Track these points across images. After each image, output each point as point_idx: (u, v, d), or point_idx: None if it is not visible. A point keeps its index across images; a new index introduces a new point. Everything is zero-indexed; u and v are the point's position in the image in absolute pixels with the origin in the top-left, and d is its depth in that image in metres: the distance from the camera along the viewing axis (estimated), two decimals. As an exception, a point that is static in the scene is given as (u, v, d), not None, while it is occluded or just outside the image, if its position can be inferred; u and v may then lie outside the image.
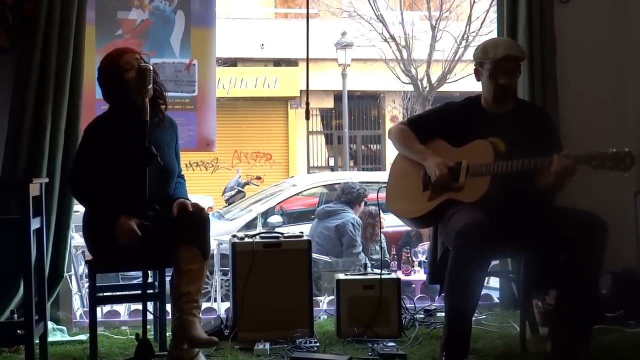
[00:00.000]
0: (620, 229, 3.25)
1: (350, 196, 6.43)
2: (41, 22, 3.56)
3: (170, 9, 4.14)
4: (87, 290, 3.76)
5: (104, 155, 3.08)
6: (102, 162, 3.08)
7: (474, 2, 13.67)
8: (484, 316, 3.87)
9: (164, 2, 4.13)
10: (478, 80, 3.28)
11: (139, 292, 3.02)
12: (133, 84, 3.02)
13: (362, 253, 6.16)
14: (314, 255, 4.08)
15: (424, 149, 3.26)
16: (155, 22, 4.14)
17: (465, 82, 12.28)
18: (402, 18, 14.43)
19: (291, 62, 15.65)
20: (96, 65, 3.21)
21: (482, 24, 13.57)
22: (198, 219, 3.06)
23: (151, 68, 2.99)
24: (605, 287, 3.68)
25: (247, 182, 13.09)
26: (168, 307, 3.32)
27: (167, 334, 3.30)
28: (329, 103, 16.30)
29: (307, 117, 4.59)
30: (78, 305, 4.28)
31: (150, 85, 2.95)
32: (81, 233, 3.28)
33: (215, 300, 5.33)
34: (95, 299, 3.16)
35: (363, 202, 6.51)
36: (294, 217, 8.63)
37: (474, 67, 3.28)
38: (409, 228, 6.20)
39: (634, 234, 4.05)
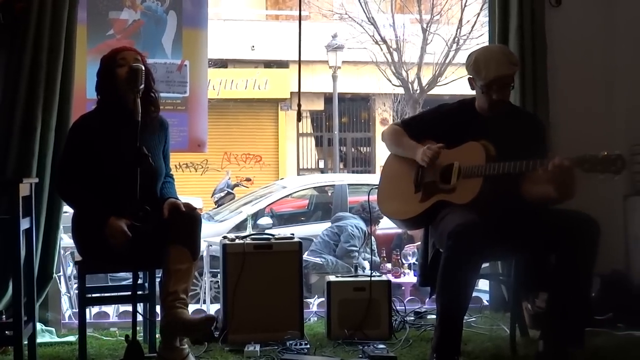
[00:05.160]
0: (609, 232, 3.25)
1: (370, 215, 6.52)
2: (32, 21, 3.54)
3: (162, 10, 4.13)
4: (76, 291, 3.74)
5: (90, 154, 3.06)
6: (89, 161, 3.06)
7: (465, 6, 13.73)
8: (473, 318, 3.88)
9: (155, 2, 4.12)
10: (472, 89, 3.25)
11: (129, 293, 2.99)
12: (123, 80, 3.01)
13: (357, 256, 6.24)
14: (305, 257, 4.07)
15: (415, 144, 3.26)
16: (147, 22, 4.12)
17: (456, 85, 12.30)
18: (394, 21, 14.45)
19: (282, 64, 15.60)
20: (87, 65, 3.20)
21: (473, 27, 13.64)
22: (190, 219, 3.05)
23: (143, 68, 2.97)
24: (594, 290, 3.69)
25: (237, 183, 13.09)
26: (158, 308, 3.31)
27: (157, 336, 3.28)
28: (320, 105, 16.28)
29: (299, 119, 4.59)
30: (67, 307, 4.26)
31: (142, 86, 2.94)
32: (70, 234, 3.26)
33: (204, 302, 5.31)
34: (84, 300, 3.15)
35: (377, 224, 6.60)
36: (284, 219, 8.64)
37: (468, 77, 3.24)
38: (400, 230, 6.22)
39: (623, 236, 4.08)
